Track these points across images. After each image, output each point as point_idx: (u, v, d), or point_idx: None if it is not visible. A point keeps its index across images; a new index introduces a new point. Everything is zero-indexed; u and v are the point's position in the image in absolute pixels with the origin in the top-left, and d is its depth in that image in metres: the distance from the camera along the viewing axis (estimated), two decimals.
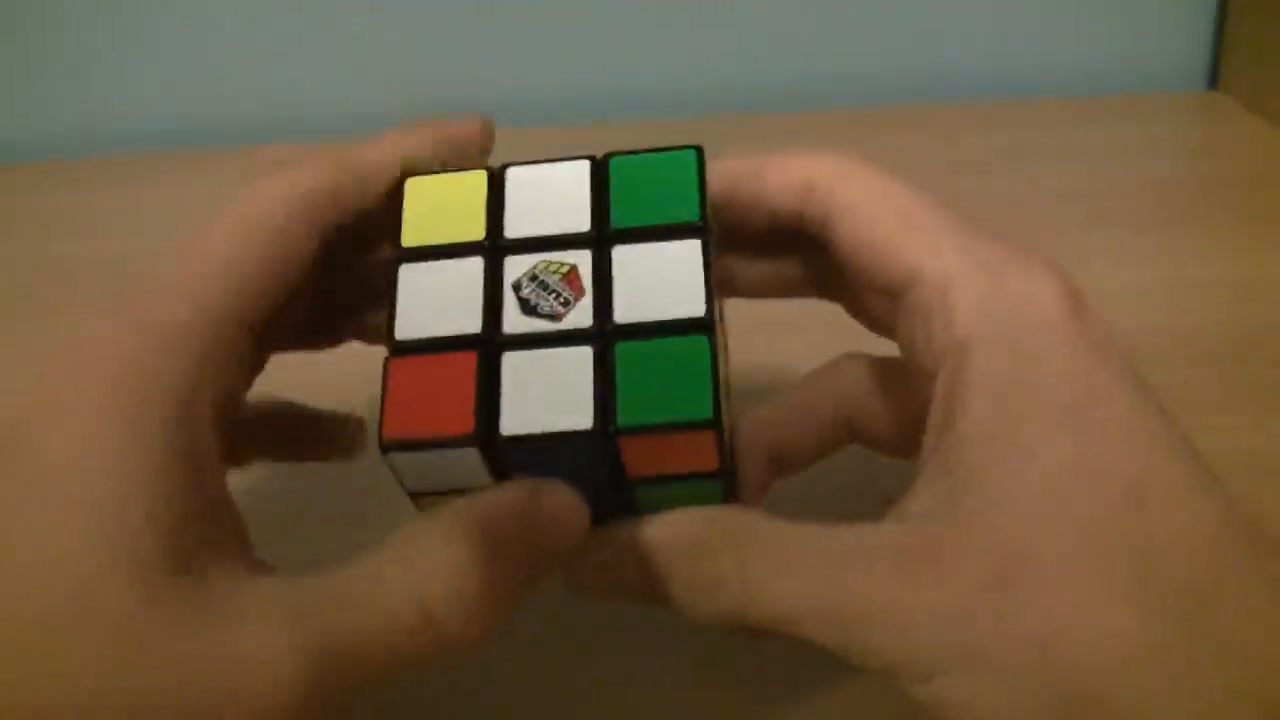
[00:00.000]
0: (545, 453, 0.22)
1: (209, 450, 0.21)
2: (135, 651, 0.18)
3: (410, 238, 0.24)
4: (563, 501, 0.22)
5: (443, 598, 0.20)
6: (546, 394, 0.22)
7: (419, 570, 0.21)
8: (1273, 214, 0.51)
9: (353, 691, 0.20)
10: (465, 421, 0.21)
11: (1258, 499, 0.35)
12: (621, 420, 0.21)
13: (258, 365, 0.25)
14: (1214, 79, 0.66)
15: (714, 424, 0.21)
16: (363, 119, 0.64)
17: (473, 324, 0.22)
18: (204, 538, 0.20)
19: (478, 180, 0.25)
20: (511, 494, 0.22)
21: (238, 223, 0.23)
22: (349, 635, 0.20)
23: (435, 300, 0.23)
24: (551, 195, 0.24)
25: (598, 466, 0.22)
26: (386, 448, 0.22)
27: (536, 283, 0.23)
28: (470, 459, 0.22)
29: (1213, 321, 0.44)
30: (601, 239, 0.23)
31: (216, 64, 0.64)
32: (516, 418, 0.21)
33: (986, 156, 0.58)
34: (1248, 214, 0.52)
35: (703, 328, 0.22)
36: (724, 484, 0.23)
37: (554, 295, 0.23)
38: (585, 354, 0.22)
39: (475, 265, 0.23)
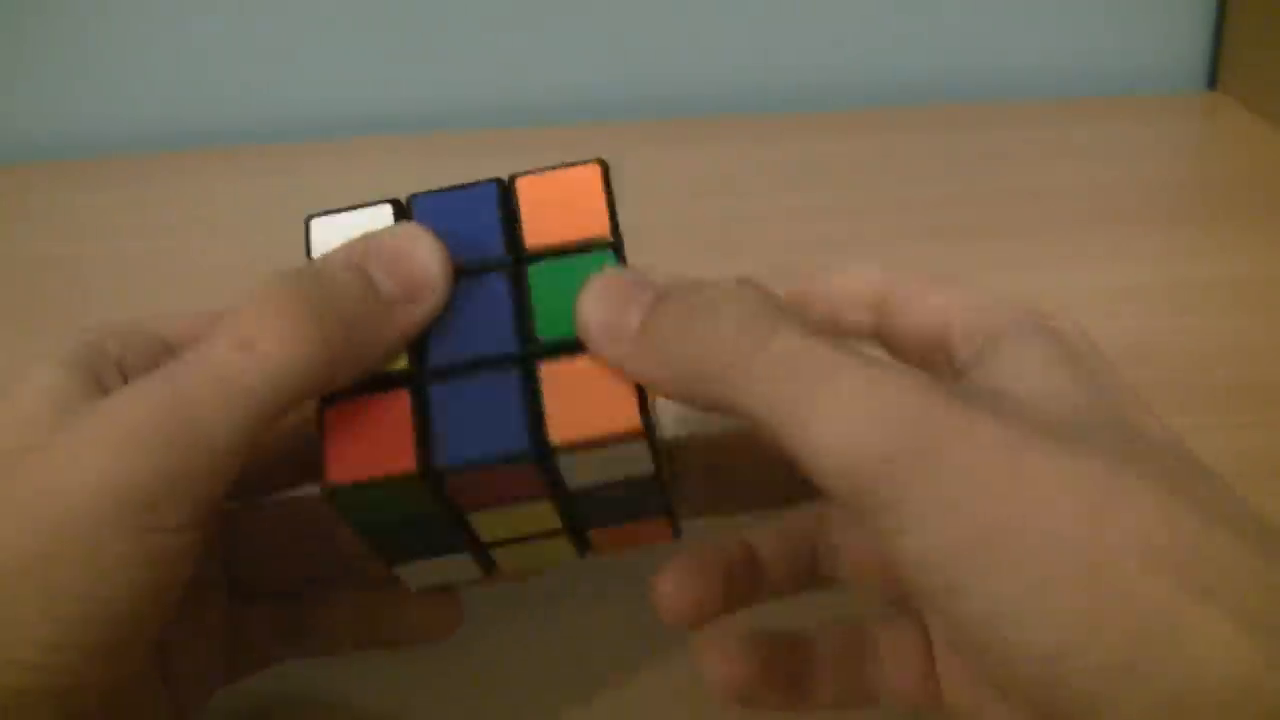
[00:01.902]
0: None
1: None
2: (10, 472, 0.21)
3: None
4: (405, 235, 0.23)
5: (254, 319, 0.21)
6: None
7: (234, 314, 0.21)
8: (1273, 213, 0.51)
9: (202, 443, 0.20)
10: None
11: (1259, 499, 0.35)
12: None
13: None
14: (1214, 79, 0.66)
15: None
16: (362, 119, 0.64)
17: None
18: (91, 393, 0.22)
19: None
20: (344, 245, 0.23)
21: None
22: (178, 379, 0.21)
23: None
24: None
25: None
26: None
27: None
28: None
29: (1213, 321, 0.44)
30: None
31: (216, 65, 0.64)
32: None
33: (987, 156, 0.58)
34: (1248, 213, 0.52)
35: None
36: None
37: None
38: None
39: None
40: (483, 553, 0.25)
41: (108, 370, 0.23)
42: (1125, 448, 0.20)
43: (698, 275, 0.25)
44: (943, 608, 0.19)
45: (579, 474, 0.22)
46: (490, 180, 0.24)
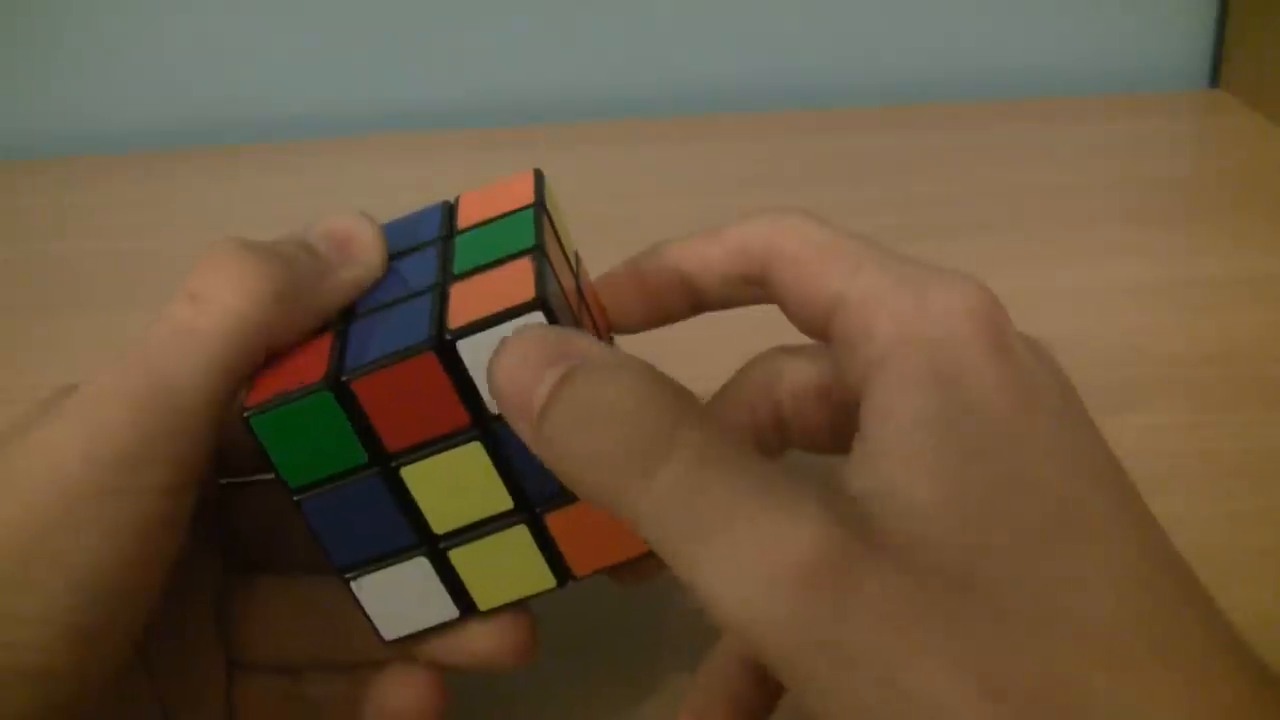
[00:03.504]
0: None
1: None
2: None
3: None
4: (344, 216, 0.24)
5: (203, 275, 0.22)
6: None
7: (192, 271, 0.22)
8: (1274, 212, 0.51)
9: (173, 400, 0.21)
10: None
11: (1261, 497, 0.35)
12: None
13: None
14: (1215, 77, 0.66)
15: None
16: (361, 118, 0.64)
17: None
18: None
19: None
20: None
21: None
22: (142, 344, 0.21)
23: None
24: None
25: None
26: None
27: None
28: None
29: (1215, 319, 0.44)
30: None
31: (217, 64, 0.64)
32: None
33: (988, 154, 0.58)
34: (1249, 211, 0.51)
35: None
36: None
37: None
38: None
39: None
40: (443, 562, 0.24)
41: None
42: (1011, 600, 0.17)
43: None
44: None
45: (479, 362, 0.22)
46: (441, 202, 0.26)
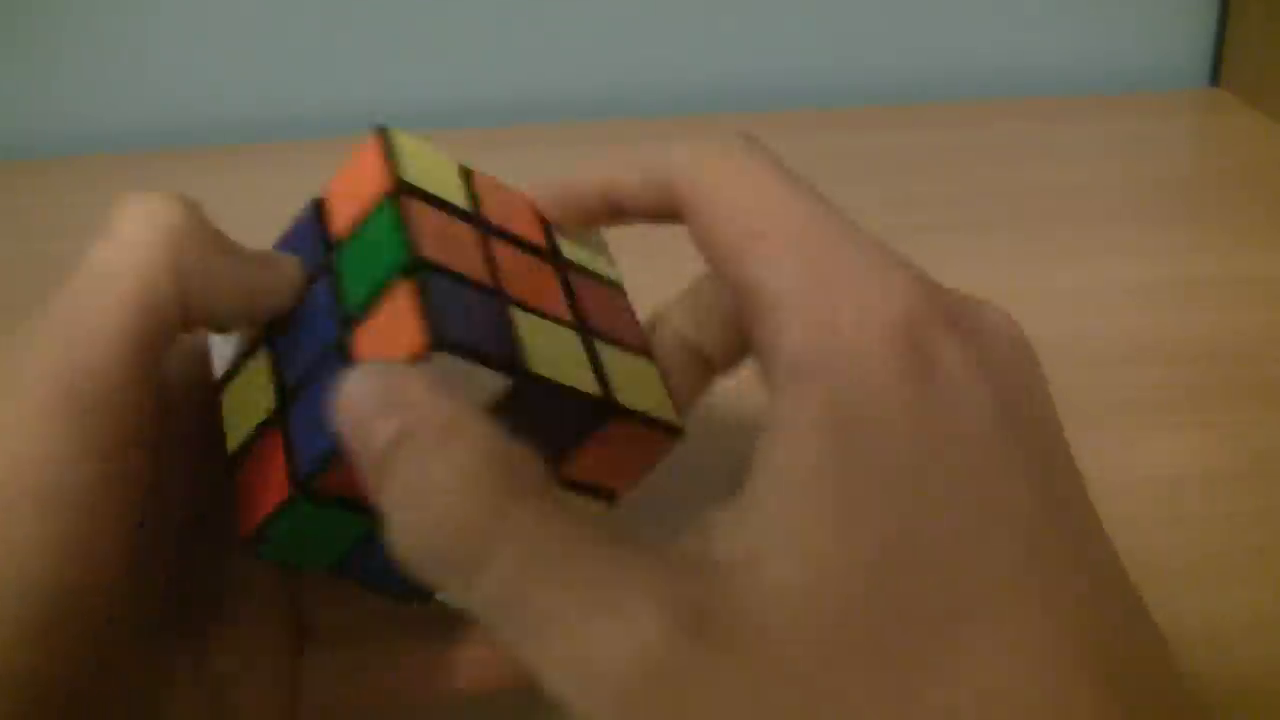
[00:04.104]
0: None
1: None
2: None
3: None
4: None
5: (116, 212, 0.21)
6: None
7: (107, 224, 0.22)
8: (1274, 210, 0.51)
9: (96, 337, 0.20)
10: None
11: (1260, 497, 0.35)
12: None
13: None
14: (1216, 75, 0.66)
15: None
16: (360, 117, 0.64)
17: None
18: None
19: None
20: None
21: None
22: (61, 293, 0.21)
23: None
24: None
25: None
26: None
27: None
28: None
29: (1215, 318, 0.44)
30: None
31: (215, 63, 0.64)
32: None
33: (988, 154, 0.58)
34: (1250, 210, 0.51)
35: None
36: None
37: None
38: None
39: None
40: None
41: None
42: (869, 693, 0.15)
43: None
44: None
45: None
46: (309, 202, 0.25)
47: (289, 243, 0.25)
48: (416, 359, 0.20)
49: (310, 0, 0.62)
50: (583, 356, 0.23)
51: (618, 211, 0.24)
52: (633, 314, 0.26)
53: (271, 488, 0.22)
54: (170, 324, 0.21)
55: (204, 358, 0.25)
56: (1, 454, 0.19)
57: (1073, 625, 0.16)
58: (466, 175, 0.25)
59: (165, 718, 0.22)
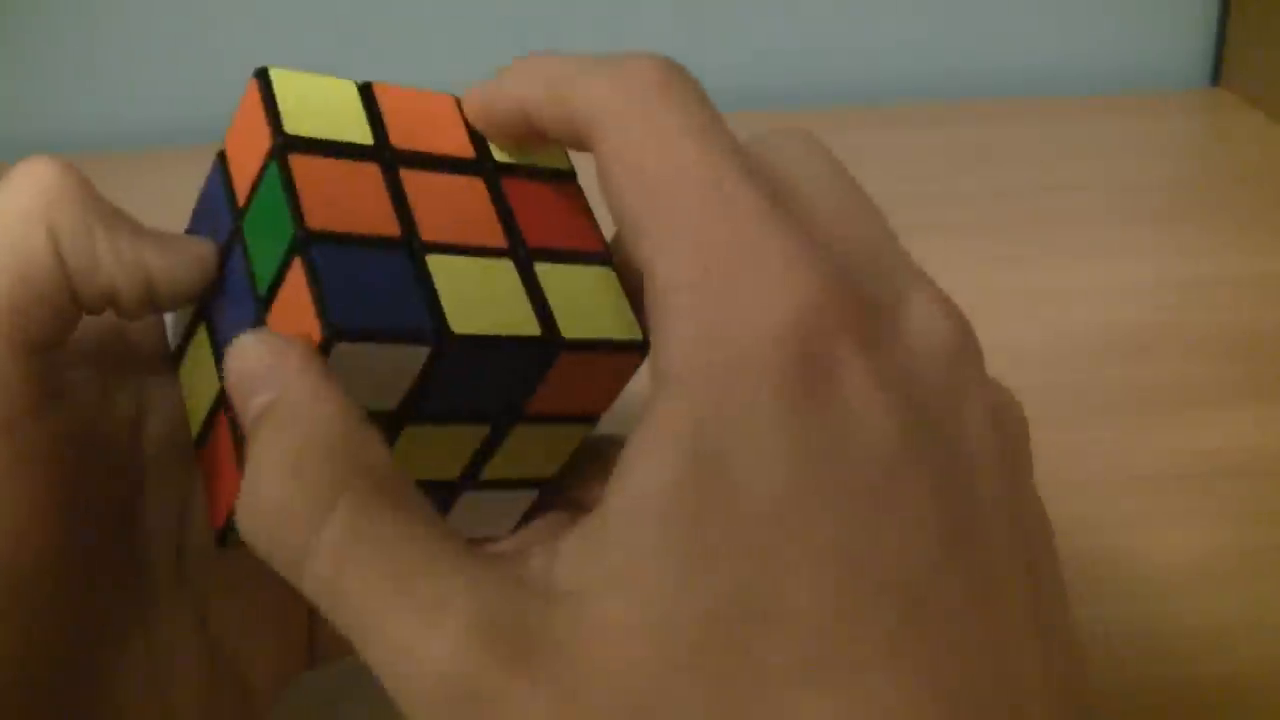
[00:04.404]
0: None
1: None
2: None
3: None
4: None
5: (63, 229, 0.20)
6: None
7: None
8: (1275, 210, 0.51)
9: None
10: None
11: (1261, 497, 0.35)
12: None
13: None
14: (1217, 75, 0.66)
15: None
16: None
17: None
18: None
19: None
20: None
21: None
22: None
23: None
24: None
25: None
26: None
27: None
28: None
29: (1216, 318, 0.44)
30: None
31: (216, 63, 0.64)
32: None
33: (988, 154, 0.58)
34: (1250, 210, 0.51)
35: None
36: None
37: None
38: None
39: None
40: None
41: None
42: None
43: None
44: None
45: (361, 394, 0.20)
46: (216, 156, 0.23)
47: (205, 203, 0.23)
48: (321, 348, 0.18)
49: (311, 1, 0.62)
50: (519, 289, 0.21)
51: (541, 135, 0.21)
52: (585, 210, 0.23)
53: (228, 482, 0.21)
54: (48, 294, 0.20)
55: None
56: None
57: (944, 701, 0.14)
58: (368, 96, 0.23)
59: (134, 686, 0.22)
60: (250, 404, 0.17)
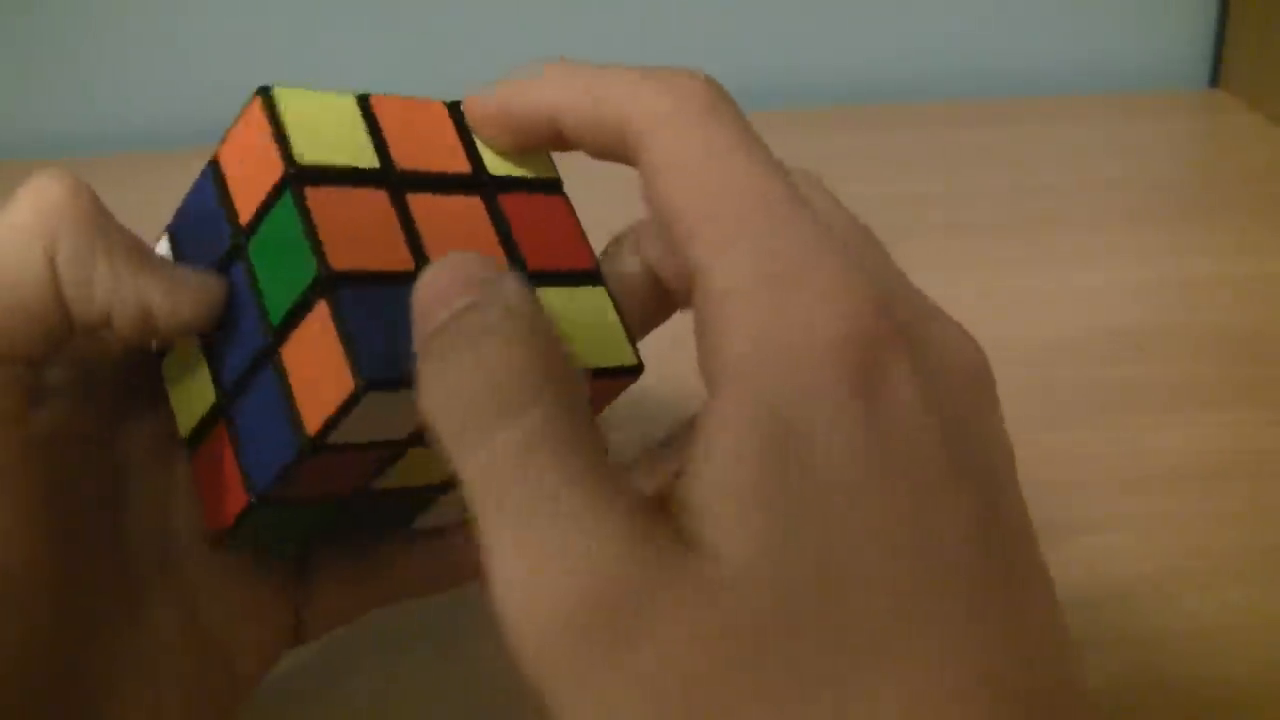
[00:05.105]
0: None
1: None
2: None
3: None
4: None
5: (62, 249, 0.20)
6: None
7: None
8: (1274, 211, 0.51)
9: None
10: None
11: (1260, 497, 0.35)
12: None
13: None
14: (1215, 76, 0.66)
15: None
16: None
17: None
18: None
19: None
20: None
21: None
22: None
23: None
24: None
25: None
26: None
27: None
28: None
29: (1215, 318, 0.44)
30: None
31: (216, 63, 0.64)
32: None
33: (987, 155, 0.58)
34: (1249, 211, 0.51)
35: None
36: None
37: None
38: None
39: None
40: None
41: None
42: (817, 656, 0.15)
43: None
44: None
45: (354, 433, 0.20)
46: (207, 164, 0.23)
47: (194, 208, 0.23)
48: (351, 402, 0.19)
49: (310, 2, 0.62)
50: None
51: (563, 141, 0.21)
52: (576, 225, 0.23)
53: (229, 491, 0.21)
54: (38, 312, 0.20)
55: None
56: None
57: (998, 684, 0.15)
58: (367, 111, 0.23)
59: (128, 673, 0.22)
60: (451, 304, 0.17)
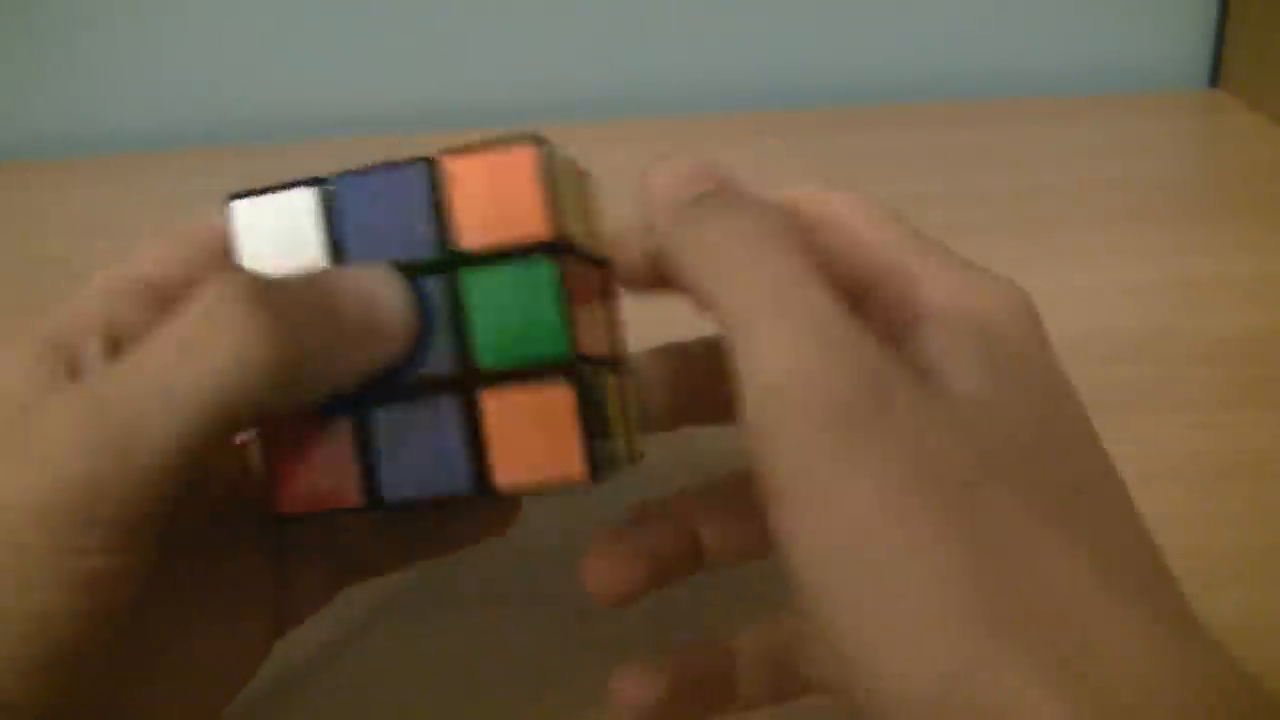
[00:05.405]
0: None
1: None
2: None
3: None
4: (372, 278, 0.21)
5: (199, 322, 0.19)
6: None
7: (182, 312, 0.20)
8: (1274, 211, 0.51)
9: (136, 456, 0.19)
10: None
11: (1260, 497, 0.35)
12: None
13: None
14: (1215, 76, 0.66)
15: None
16: (361, 118, 0.64)
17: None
18: (58, 386, 0.21)
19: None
20: (315, 273, 0.21)
21: None
22: (110, 386, 0.19)
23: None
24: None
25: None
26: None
27: None
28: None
29: (1215, 319, 0.44)
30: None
31: (215, 63, 0.64)
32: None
33: (987, 155, 0.58)
34: (1249, 211, 0.51)
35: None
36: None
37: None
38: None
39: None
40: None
41: (86, 342, 0.22)
42: (1037, 487, 0.18)
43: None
44: (811, 607, 0.18)
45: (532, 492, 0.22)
46: (418, 160, 0.22)
47: (377, 189, 0.22)
48: (564, 485, 0.21)
49: (310, 3, 0.62)
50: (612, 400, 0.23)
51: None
52: (617, 308, 0.25)
53: (326, 482, 0.21)
54: (219, 444, 0.20)
55: None
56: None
57: (1151, 553, 0.20)
58: (583, 184, 0.24)
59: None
60: (694, 188, 0.21)
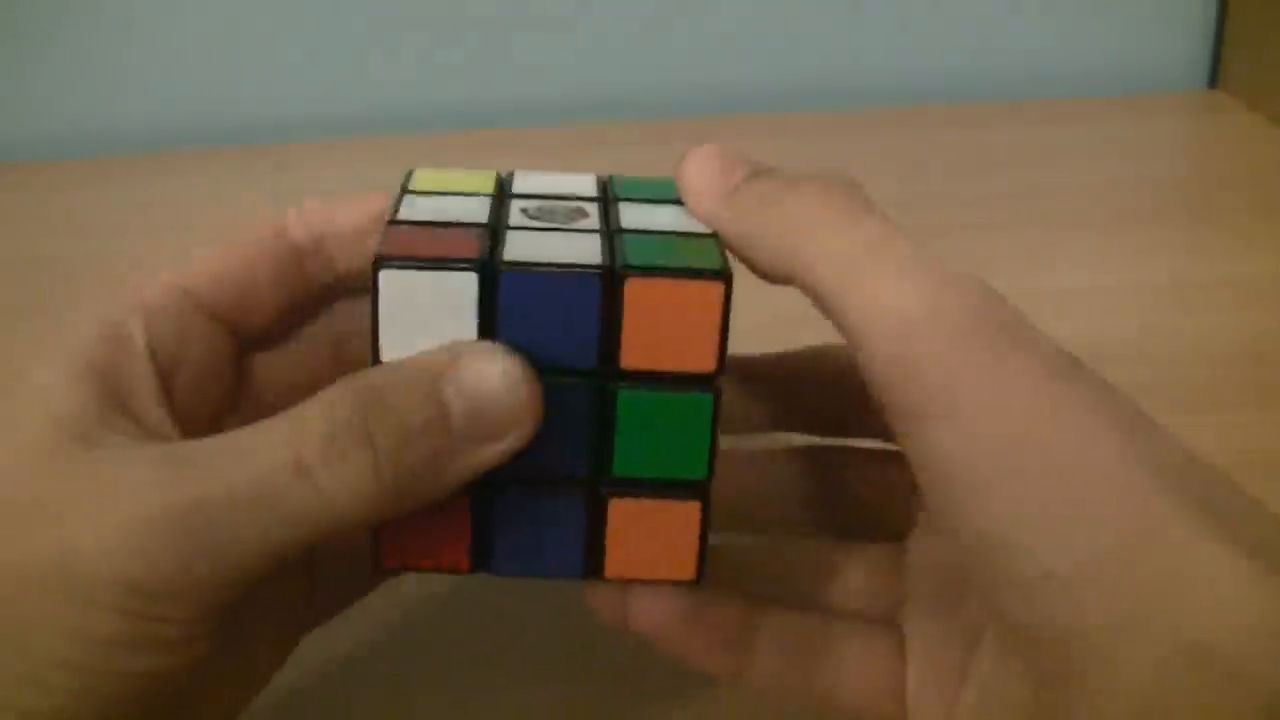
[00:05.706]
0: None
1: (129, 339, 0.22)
2: (21, 526, 0.19)
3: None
4: (495, 367, 0.20)
5: (318, 447, 0.19)
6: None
7: (294, 422, 0.20)
8: (1273, 212, 0.51)
9: (230, 555, 0.19)
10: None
11: (1261, 497, 0.35)
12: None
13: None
14: (1214, 77, 0.66)
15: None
16: (361, 118, 0.64)
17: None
18: (108, 417, 0.21)
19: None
20: (425, 356, 0.20)
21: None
22: (215, 481, 0.19)
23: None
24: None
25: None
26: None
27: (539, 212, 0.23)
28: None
29: (1214, 320, 0.44)
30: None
31: (215, 64, 0.64)
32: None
33: (987, 156, 0.58)
34: (1248, 212, 0.51)
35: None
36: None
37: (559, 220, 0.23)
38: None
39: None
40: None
41: (132, 366, 0.22)
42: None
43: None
44: (962, 514, 0.19)
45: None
46: (595, 270, 0.21)
47: (547, 288, 0.21)
48: (680, 584, 0.22)
49: (310, 2, 0.62)
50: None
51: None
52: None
53: (438, 545, 0.22)
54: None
55: None
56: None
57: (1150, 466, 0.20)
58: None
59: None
60: (736, 171, 0.24)
